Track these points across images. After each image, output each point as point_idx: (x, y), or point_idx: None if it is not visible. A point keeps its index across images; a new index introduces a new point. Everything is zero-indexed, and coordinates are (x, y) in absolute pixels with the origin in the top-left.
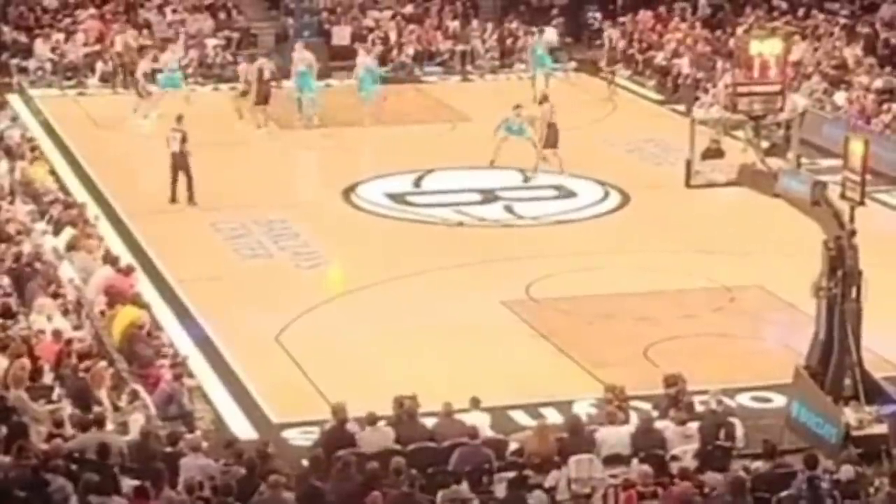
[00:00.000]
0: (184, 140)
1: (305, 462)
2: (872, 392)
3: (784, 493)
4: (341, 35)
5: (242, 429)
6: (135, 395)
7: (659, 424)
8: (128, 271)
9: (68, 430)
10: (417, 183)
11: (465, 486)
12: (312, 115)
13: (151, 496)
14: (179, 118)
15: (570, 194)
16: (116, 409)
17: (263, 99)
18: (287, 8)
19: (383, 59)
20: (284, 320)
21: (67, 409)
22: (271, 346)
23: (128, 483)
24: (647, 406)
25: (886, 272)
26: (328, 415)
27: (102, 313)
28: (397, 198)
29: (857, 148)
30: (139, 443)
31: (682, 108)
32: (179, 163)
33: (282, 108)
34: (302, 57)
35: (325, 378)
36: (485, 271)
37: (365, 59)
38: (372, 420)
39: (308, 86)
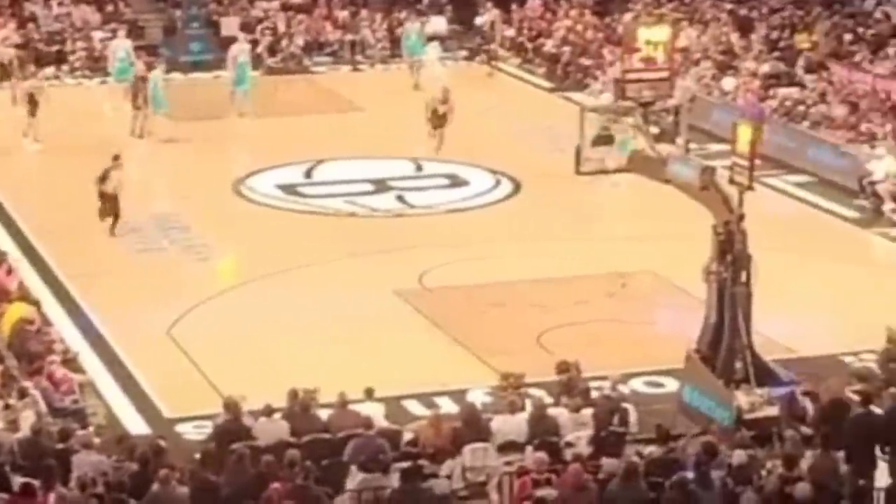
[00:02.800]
0: (102, 178)
1: (199, 456)
2: (763, 375)
3: (675, 478)
4: (230, 26)
5: (135, 424)
6: (24, 393)
7: (553, 411)
8: None
9: None
10: (308, 174)
11: (379, 475)
12: (247, 107)
13: (39, 494)
14: (116, 157)
15: (462, 183)
16: (7, 406)
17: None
18: None
19: (272, 50)
20: (176, 314)
21: None
22: (163, 340)
23: (18, 480)
24: (541, 393)
25: (775, 255)
26: (221, 408)
27: None
28: (288, 189)
29: (745, 133)
30: (30, 440)
31: (571, 94)
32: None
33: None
34: (242, 48)
35: (218, 371)
36: (378, 261)
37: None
38: (267, 412)
39: (245, 78)
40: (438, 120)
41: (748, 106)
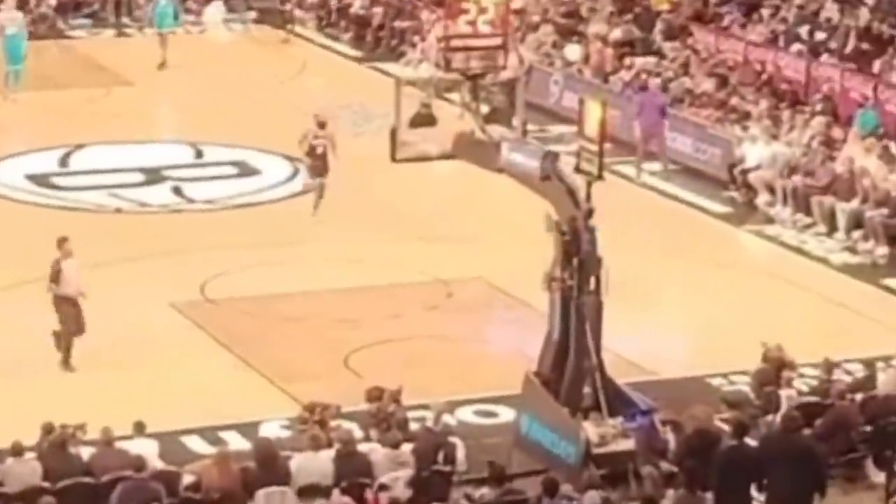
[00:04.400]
0: (54, 277)
1: None
2: (616, 401)
3: None
4: None
5: None
6: None
7: (365, 448)
8: None
9: None
10: (64, 161)
11: None
12: (17, 88)
13: None
14: (62, 240)
15: (253, 172)
16: None
17: None
18: None
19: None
20: None
21: None
22: None
23: None
24: (350, 425)
25: (630, 258)
26: None
27: None
28: (40, 179)
29: (594, 112)
30: None
31: (384, 65)
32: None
33: None
34: (11, 17)
35: None
36: (150, 267)
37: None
38: (16, 451)
39: (18, 55)
40: (320, 163)
41: (649, 96)
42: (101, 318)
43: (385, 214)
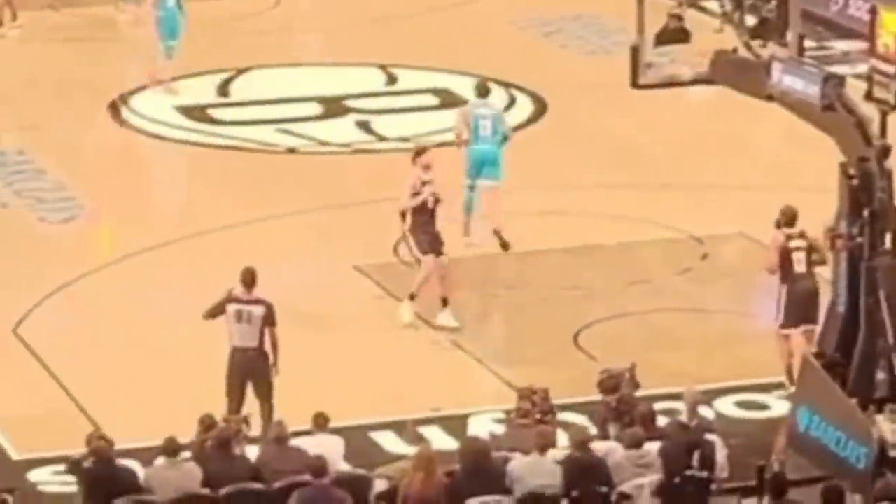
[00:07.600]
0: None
1: None
2: None
3: None
4: None
5: None
6: None
7: (600, 447)
8: None
9: None
10: (224, 89)
11: None
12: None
13: None
14: None
15: (457, 101)
16: None
17: None
18: None
19: None
20: (26, 304)
21: None
22: (7, 342)
23: None
24: (580, 419)
25: None
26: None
27: None
28: (194, 112)
29: (889, 23)
30: None
31: None
32: None
33: None
34: None
35: (90, 390)
36: (330, 221)
37: None
38: (169, 450)
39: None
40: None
41: None
42: (269, 284)
43: (623, 155)
